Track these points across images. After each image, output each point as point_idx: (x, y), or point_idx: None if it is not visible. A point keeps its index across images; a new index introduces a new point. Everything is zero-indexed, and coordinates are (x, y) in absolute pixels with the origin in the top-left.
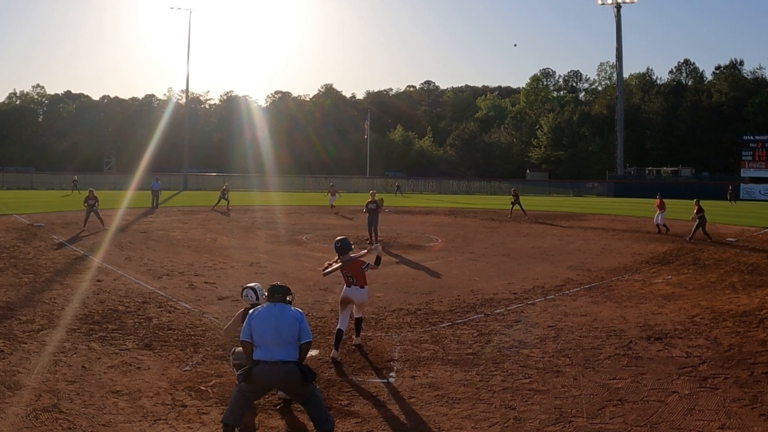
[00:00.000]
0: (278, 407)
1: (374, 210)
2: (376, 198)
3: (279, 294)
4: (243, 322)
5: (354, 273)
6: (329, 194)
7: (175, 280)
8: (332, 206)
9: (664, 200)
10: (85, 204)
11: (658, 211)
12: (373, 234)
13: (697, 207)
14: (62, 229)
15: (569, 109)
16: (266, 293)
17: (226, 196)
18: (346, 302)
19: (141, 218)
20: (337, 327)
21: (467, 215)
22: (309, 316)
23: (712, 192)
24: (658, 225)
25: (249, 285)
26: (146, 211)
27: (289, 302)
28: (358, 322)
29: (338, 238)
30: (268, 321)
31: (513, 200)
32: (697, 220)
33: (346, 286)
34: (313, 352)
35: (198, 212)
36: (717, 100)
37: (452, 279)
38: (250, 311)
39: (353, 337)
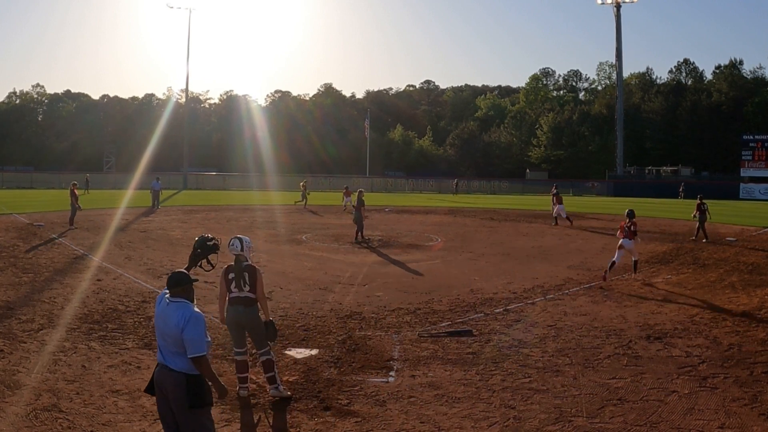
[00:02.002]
0: (274, 405)
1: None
2: (362, 197)
3: (177, 287)
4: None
5: (631, 228)
6: (344, 195)
7: None
8: (345, 207)
9: (561, 195)
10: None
11: (556, 206)
12: (360, 232)
13: (697, 204)
14: (62, 229)
15: (569, 108)
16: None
17: (306, 193)
18: (620, 247)
19: (141, 218)
20: (613, 259)
21: (467, 215)
22: (308, 315)
23: (711, 192)
24: (555, 218)
25: (237, 235)
26: (146, 211)
27: (188, 286)
28: (635, 264)
29: (629, 209)
30: (157, 322)
31: (554, 198)
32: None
33: (623, 237)
34: (312, 352)
35: (198, 212)
36: (717, 99)
37: (452, 278)
38: (160, 294)
39: (632, 274)
